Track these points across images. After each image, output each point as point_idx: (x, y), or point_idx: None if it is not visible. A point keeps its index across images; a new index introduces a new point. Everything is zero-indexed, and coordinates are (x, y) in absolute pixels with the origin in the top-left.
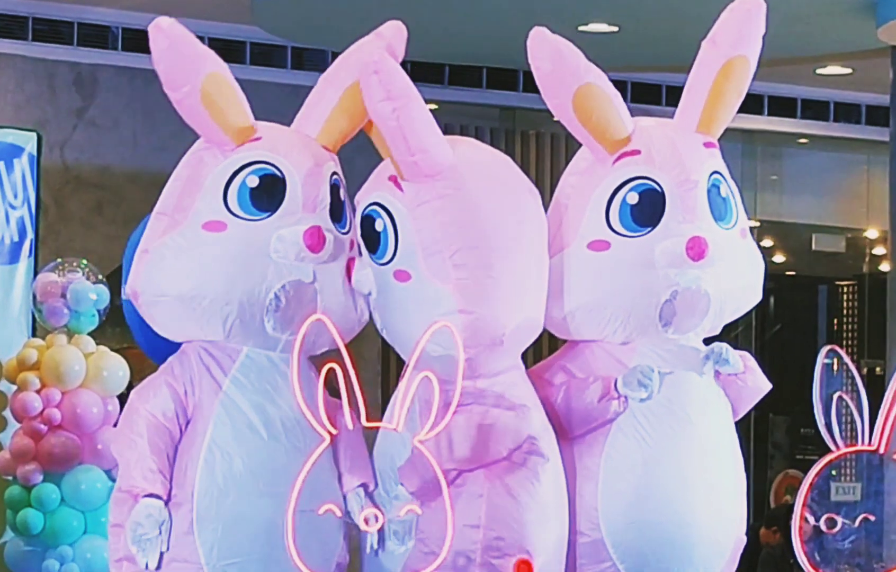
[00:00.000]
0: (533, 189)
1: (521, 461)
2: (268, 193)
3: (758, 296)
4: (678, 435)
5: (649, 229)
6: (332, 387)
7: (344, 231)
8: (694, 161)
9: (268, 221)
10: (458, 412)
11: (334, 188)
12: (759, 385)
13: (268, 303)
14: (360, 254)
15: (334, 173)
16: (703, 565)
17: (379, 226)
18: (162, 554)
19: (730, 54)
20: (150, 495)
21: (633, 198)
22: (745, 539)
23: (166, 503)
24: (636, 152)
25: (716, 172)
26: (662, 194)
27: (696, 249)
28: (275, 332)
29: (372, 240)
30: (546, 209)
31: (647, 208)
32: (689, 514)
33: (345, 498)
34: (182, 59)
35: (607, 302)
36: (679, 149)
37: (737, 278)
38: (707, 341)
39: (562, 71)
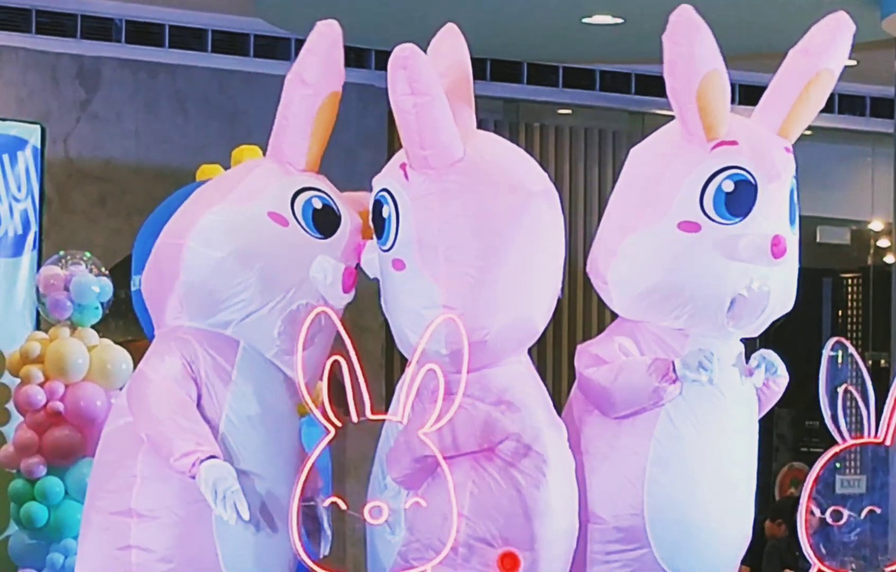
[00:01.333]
0: (549, 191)
1: (512, 457)
2: (326, 221)
3: (790, 306)
4: (722, 431)
5: (739, 219)
6: (336, 380)
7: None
8: (782, 161)
9: (322, 243)
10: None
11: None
12: (781, 391)
13: (291, 308)
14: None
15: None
16: (728, 561)
17: (385, 212)
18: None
19: (819, 66)
20: (209, 457)
21: (729, 187)
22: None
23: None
24: (734, 143)
25: (794, 176)
26: (755, 187)
27: (780, 247)
28: (275, 339)
29: (378, 225)
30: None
31: (740, 198)
32: (725, 513)
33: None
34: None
35: (687, 284)
36: (771, 148)
37: (788, 283)
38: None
39: (699, 52)
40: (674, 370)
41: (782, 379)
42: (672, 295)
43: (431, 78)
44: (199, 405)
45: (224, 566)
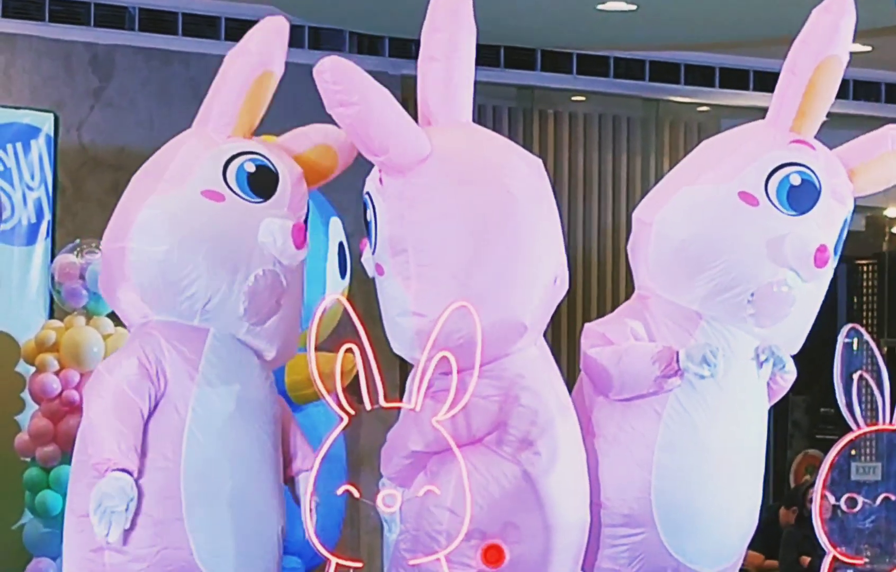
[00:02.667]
0: (533, 179)
1: (520, 445)
2: (263, 182)
3: (796, 349)
4: (732, 419)
5: (795, 214)
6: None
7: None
8: (847, 190)
9: (261, 206)
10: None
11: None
12: (788, 385)
13: (248, 283)
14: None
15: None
16: (733, 546)
17: (368, 215)
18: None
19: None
20: (122, 469)
21: (797, 180)
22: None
23: (136, 480)
24: (812, 147)
25: (852, 212)
26: (818, 193)
27: (823, 258)
28: (243, 318)
29: (366, 227)
30: (552, 186)
31: (803, 196)
32: (732, 499)
33: (293, 479)
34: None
35: (727, 249)
36: (842, 173)
37: (804, 316)
38: None
39: (827, 31)
40: (677, 361)
41: (790, 374)
42: (710, 254)
43: (361, 82)
44: (164, 397)
45: (199, 561)
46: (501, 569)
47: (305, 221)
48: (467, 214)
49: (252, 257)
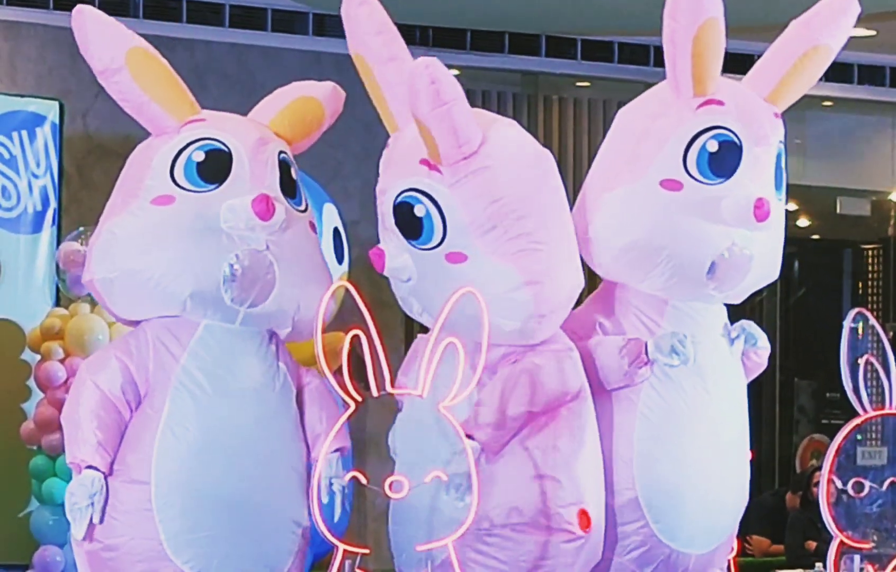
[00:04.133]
0: (548, 154)
1: (569, 414)
2: (214, 167)
3: (776, 275)
4: (708, 401)
5: (722, 180)
6: (356, 354)
7: (299, 208)
8: (770, 125)
9: (216, 193)
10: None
11: (283, 164)
12: (763, 363)
13: (223, 273)
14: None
15: (282, 151)
16: (725, 527)
17: (419, 211)
18: (93, 525)
19: (818, 41)
20: (90, 467)
21: (713, 147)
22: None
23: (106, 476)
24: (721, 103)
25: (782, 142)
26: (740, 149)
27: (763, 210)
28: (233, 304)
29: (412, 226)
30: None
31: (725, 159)
32: (717, 480)
33: (314, 460)
34: (103, 38)
35: (667, 242)
36: (758, 111)
37: (772, 250)
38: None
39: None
40: (646, 352)
41: (763, 350)
42: (652, 253)
43: (451, 80)
44: (147, 393)
45: (170, 550)
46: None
47: (290, 179)
48: (529, 183)
49: (222, 246)
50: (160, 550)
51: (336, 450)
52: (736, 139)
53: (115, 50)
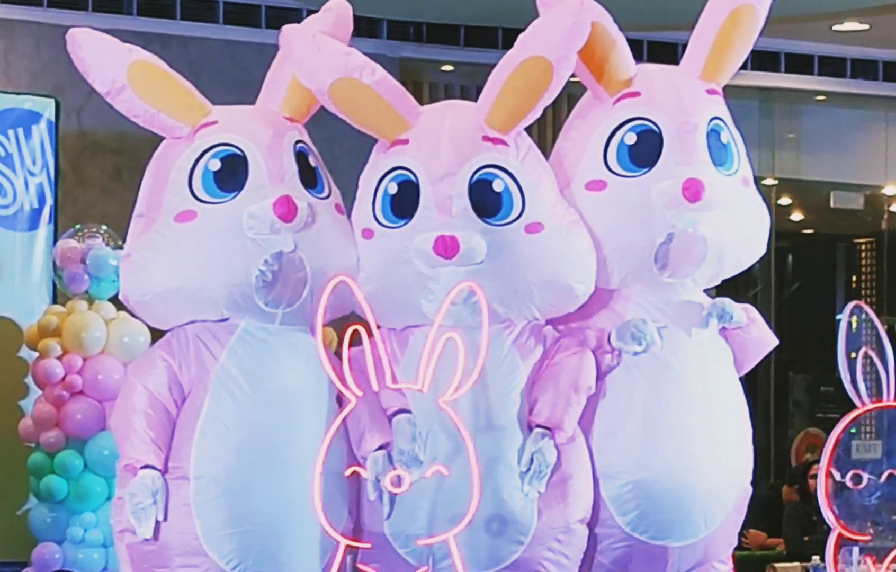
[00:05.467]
0: None
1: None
2: (231, 174)
3: (762, 249)
4: (674, 390)
5: (646, 170)
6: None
7: (322, 195)
8: (694, 104)
9: (236, 201)
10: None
11: (301, 156)
12: (763, 338)
13: (254, 281)
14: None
15: (298, 142)
16: (704, 518)
17: (498, 186)
18: (158, 523)
19: (736, 3)
20: (147, 466)
21: (631, 139)
22: (750, 489)
23: (163, 473)
24: (636, 94)
25: (717, 118)
26: (660, 135)
27: (693, 190)
28: (269, 308)
29: (491, 202)
30: None
31: (645, 149)
32: (686, 469)
33: (362, 459)
34: (102, 60)
35: (604, 241)
36: (680, 93)
37: (738, 227)
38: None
39: (563, 6)
40: (609, 341)
41: (741, 324)
42: (596, 253)
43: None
44: (188, 394)
45: (207, 546)
46: None
47: (309, 169)
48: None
49: (249, 255)
50: (197, 545)
51: (381, 448)
52: (654, 127)
53: (115, 70)
